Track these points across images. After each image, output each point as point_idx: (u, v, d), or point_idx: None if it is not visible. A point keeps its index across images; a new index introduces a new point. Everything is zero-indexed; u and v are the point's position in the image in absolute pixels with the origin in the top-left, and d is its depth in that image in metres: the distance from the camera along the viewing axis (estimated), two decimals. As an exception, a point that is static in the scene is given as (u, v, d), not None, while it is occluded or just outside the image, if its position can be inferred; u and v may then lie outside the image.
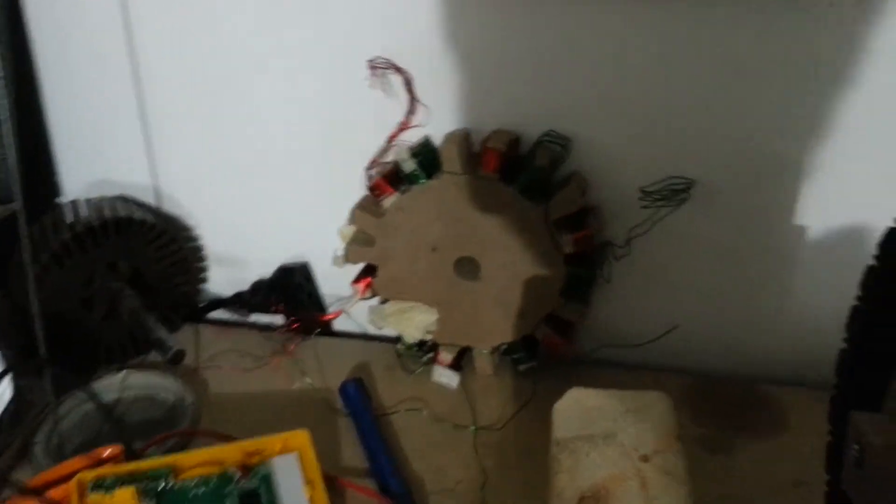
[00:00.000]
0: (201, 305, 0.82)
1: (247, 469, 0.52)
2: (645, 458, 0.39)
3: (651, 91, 0.65)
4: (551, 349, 0.70)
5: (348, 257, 0.71)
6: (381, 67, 0.68)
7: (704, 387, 0.69)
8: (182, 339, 0.77)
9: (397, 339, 0.75)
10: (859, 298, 0.42)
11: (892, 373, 0.38)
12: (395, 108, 0.69)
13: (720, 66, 0.62)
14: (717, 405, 0.66)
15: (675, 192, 0.65)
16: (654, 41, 0.63)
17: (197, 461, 0.52)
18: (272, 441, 0.54)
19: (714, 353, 0.72)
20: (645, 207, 0.66)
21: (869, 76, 0.60)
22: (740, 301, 0.71)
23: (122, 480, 0.50)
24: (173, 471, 0.51)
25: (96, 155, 0.80)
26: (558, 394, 0.68)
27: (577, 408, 0.43)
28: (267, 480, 0.51)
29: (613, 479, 0.37)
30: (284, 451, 0.54)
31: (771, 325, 0.71)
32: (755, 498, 0.58)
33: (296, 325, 0.77)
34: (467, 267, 0.69)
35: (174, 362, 0.67)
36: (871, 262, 0.41)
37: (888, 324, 0.40)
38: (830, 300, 0.68)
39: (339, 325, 0.80)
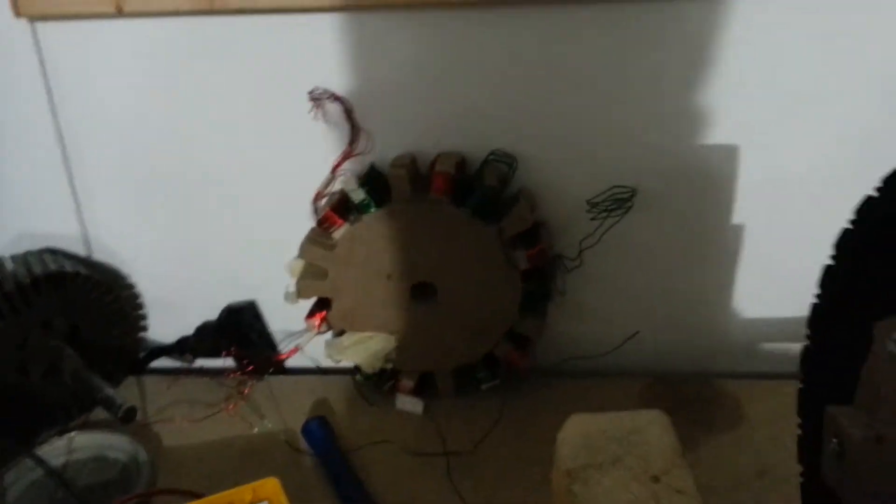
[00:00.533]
0: (142, 355, 0.78)
1: (219, 524, 0.50)
2: (656, 479, 0.40)
3: (586, 105, 0.66)
4: (511, 365, 0.70)
5: (301, 292, 0.70)
6: (320, 98, 0.67)
7: (664, 386, 0.71)
8: (126, 392, 0.74)
9: (355, 371, 0.73)
10: (818, 296, 0.44)
11: (856, 366, 0.40)
12: (337, 138, 0.69)
13: (646, 80, 0.65)
14: (678, 403, 0.68)
15: (619, 202, 0.67)
16: (585, 59, 0.64)
17: (169, 523, 0.50)
18: (241, 492, 0.52)
19: (669, 353, 0.75)
20: (593, 219, 0.68)
21: (781, 81, 0.64)
22: (689, 300, 0.73)
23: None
24: (146, 536, 0.49)
25: (16, 206, 0.75)
26: (525, 410, 0.69)
27: (579, 435, 0.43)
28: (242, 533, 0.50)
29: None
30: (255, 501, 0.52)
31: (718, 319, 0.74)
32: (722, 491, 0.59)
33: (251, 367, 0.74)
34: (424, 292, 0.69)
35: (126, 421, 0.64)
36: (828, 262, 0.43)
37: (847, 320, 0.42)
38: (771, 292, 0.72)
39: (292, 361, 0.77)
